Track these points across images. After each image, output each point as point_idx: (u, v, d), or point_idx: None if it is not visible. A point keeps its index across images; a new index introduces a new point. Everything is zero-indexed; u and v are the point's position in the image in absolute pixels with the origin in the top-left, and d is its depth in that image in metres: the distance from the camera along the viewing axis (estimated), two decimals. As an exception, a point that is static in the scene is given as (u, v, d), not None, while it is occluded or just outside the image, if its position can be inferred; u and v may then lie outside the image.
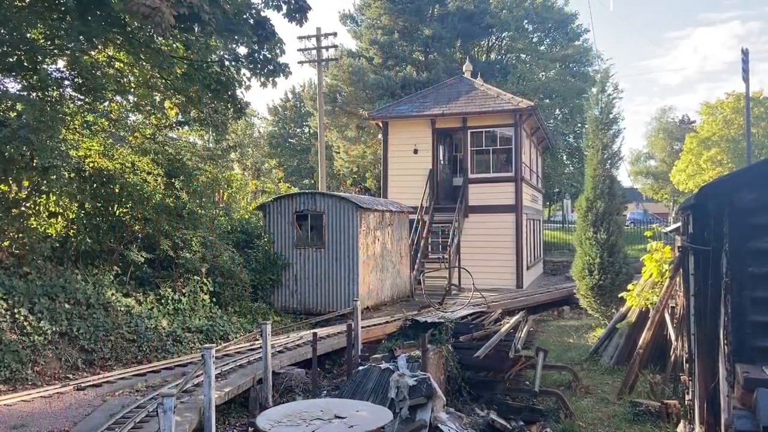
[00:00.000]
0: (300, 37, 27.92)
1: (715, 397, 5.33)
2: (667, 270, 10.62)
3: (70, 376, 9.07)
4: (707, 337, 5.38)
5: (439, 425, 7.11)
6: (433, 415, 7.14)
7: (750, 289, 4.48)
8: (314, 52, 28.14)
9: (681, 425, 7.30)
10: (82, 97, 10.97)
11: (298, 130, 47.78)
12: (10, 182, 10.06)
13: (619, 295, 12.43)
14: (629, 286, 12.01)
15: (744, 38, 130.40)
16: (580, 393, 9.65)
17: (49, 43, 9.70)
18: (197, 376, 7.73)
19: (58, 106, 10.10)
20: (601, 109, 15.17)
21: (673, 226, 12.98)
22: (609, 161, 14.94)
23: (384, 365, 7.89)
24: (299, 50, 28.70)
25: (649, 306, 10.82)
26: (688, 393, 7.07)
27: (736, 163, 35.24)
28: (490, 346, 9.01)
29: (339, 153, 36.81)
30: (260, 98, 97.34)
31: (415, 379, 7.30)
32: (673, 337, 9.79)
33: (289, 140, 47.19)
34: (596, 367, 11.27)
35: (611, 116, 15.16)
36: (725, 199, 4.60)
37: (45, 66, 10.04)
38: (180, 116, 13.11)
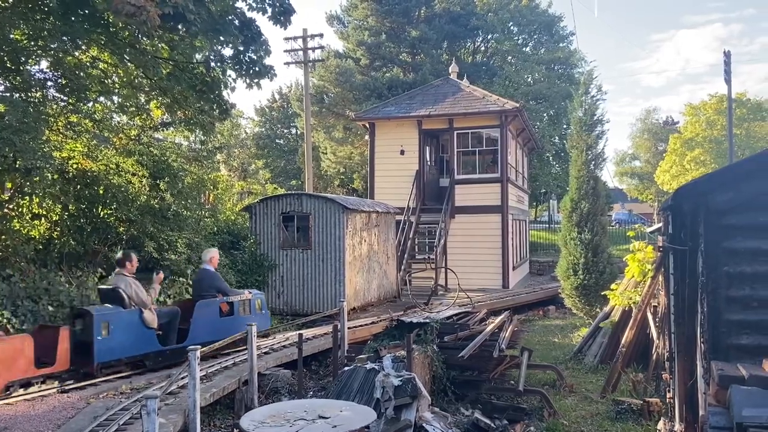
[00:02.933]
0: (286, 38, 27.94)
1: (693, 395, 5.42)
2: (649, 269, 10.74)
3: (54, 378, 8.99)
4: (685, 335, 5.47)
5: (424, 425, 7.15)
6: (418, 414, 7.19)
7: (725, 288, 4.58)
8: (301, 53, 28.12)
9: (661, 422, 7.40)
10: (65, 98, 10.89)
11: (285, 130, 47.71)
12: (-7, 184, 10.00)
13: (603, 294, 12.56)
14: (613, 286, 12.13)
15: (725, 40, 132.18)
16: (564, 392, 9.74)
17: (32, 43, 9.64)
18: (182, 378, 7.72)
19: (42, 107, 10.02)
20: (584, 111, 15.34)
21: (655, 227, 13.14)
22: (593, 162, 15.09)
23: (369, 366, 7.92)
24: (285, 51, 28.69)
25: (632, 305, 10.95)
26: (669, 391, 7.18)
27: (719, 164, 35.73)
28: (475, 345, 9.07)
29: (326, 154, 36.79)
30: (247, 99, 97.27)
31: (400, 379, 7.34)
32: (655, 336, 9.92)
33: (276, 141, 47.10)
34: (580, 365, 11.37)
35: (595, 118, 15.34)
36: (700, 200, 4.70)
37: (28, 67, 9.97)
38: (165, 117, 13.05)
